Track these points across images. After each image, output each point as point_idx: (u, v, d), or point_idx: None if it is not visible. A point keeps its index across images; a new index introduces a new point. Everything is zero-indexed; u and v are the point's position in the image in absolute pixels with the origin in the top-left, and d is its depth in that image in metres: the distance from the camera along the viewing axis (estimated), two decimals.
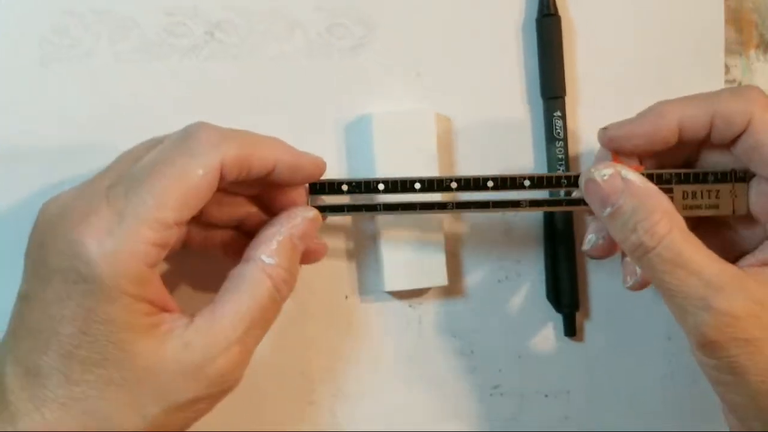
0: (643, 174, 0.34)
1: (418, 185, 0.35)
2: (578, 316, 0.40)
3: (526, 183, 0.35)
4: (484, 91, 0.39)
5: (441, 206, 0.36)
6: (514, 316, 0.40)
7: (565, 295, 0.40)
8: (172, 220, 0.30)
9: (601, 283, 0.40)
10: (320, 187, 0.35)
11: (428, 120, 0.38)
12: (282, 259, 0.33)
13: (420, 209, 0.36)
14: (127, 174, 0.31)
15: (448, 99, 0.39)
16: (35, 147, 0.37)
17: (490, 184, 0.35)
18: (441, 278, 0.38)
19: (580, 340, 0.41)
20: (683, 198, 0.36)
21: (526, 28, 0.39)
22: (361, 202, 0.37)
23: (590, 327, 0.41)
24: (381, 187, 0.35)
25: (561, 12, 0.39)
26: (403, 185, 0.35)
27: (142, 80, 0.37)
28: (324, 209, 0.35)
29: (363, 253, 0.39)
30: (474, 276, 0.40)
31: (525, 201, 0.36)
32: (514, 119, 0.40)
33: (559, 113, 0.39)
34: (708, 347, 0.32)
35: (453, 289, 0.40)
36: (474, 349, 0.40)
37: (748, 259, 0.34)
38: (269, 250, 0.33)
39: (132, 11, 0.37)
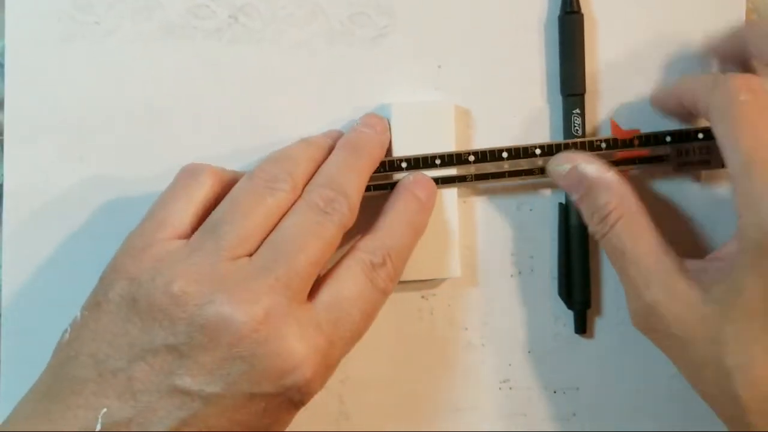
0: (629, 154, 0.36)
1: (438, 161, 0.37)
2: (589, 313, 0.40)
3: (537, 152, 0.38)
4: (504, 86, 0.39)
5: (461, 179, 0.37)
6: (526, 312, 0.40)
7: (577, 291, 0.40)
8: None
9: (614, 280, 0.40)
10: None
11: (447, 111, 0.38)
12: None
13: (441, 184, 0.37)
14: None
15: (468, 93, 0.39)
16: (54, 124, 0.37)
17: (504, 155, 0.38)
18: (455, 270, 0.38)
19: (591, 337, 0.41)
20: (678, 155, 0.38)
21: (548, 25, 0.39)
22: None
23: (601, 325, 0.41)
24: (404, 165, 0.37)
25: (584, 9, 0.39)
26: (425, 161, 0.37)
27: (163, 61, 0.37)
28: None
29: None
30: (487, 270, 0.40)
31: (537, 169, 0.38)
32: (533, 115, 0.40)
33: (578, 111, 0.39)
34: (639, 330, 0.35)
35: (466, 282, 0.40)
36: (484, 343, 0.40)
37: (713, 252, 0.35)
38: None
39: None
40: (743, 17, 0.41)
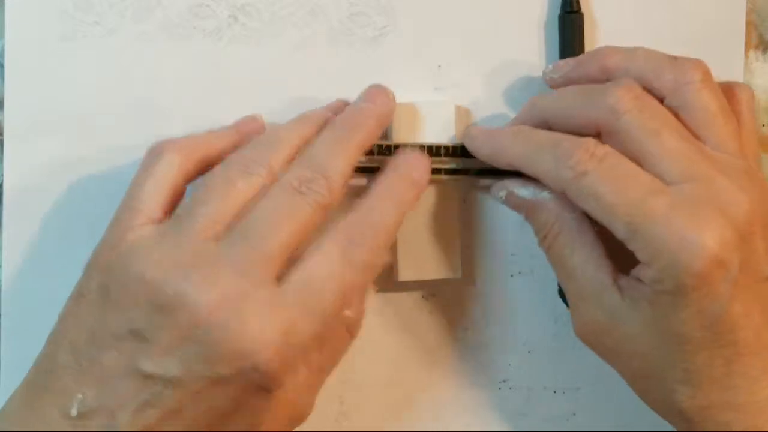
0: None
1: (443, 150, 0.37)
2: None
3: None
4: (505, 85, 0.40)
5: (450, 171, 0.37)
6: (526, 312, 0.40)
7: None
8: None
9: None
10: None
11: (448, 111, 0.38)
12: (358, 309, 0.34)
13: (445, 173, 0.37)
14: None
15: (468, 92, 0.39)
16: (54, 123, 0.37)
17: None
18: (455, 270, 0.38)
19: None
20: None
21: (548, 24, 0.39)
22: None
23: None
24: (394, 149, 0.36)
25: (584, 9, 0.39)
26: (414, 149, 0.36)
27: (163, 61, 0.37)
28: None
29: None
30: (487, 269, 0.40)
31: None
32: None
33: None
34: (583, 343, 0.35)
35: (466, 281, 0.40)
36: (484, 342, 0.40)
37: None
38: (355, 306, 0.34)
39: None
40: (743, 18, 0.41)
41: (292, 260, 0.31)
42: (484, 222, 0.40)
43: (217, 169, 0.33)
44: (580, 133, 0.33)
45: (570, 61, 0.37)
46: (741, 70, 0.41)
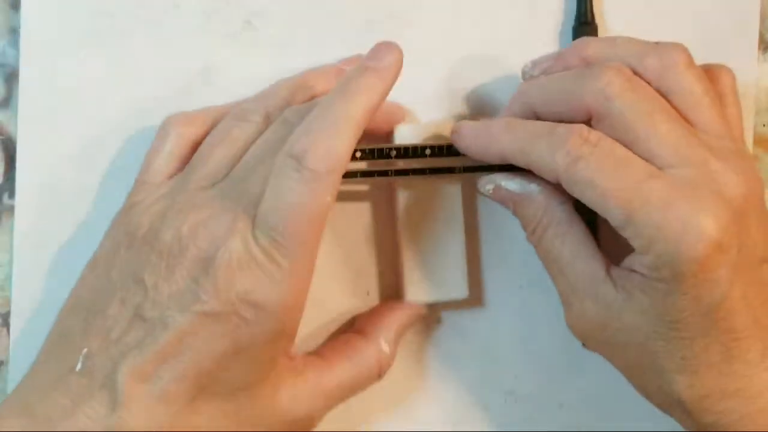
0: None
1: (428, 151, 0.36)
2: None
3: (428, 152, 0.36)
4: None
5: (450, 170, 0.36)
6: (533, 324, 0.40)
7: None
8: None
9: None
10: None
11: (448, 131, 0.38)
12: (394, 349, 0.35)
13: (429, 173, 0.36)
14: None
15: (483, 99, 0.39)
16: (67, 126, 0.37)
17: (428, 151, 0.36)
18: (461, 291, 0.38)
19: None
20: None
21: (563, 35, 0.39)
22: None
23: None
24: (393, 153, 0.36)
25: (598, 21, 0.39)
26: (414, 151, 0.36)
27: (178, 65, 0.37)
28: None
29: (383, 252, 0.39)
30: (496, 279, 0.40)
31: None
32: None
33: None
34: (577, 338, 0.35)
35: (473, 292, 0.39)
36: (491, 353, 0.40)
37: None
38: (390, 336, 0.35)
39: None
40: (756, 33, 0.41)
41: None
42: (493, 232, 0.40)
43: (219, 124, 0.34)
44: (571, 120, 0.33)
45: (550, 56, 0.36)
46: (753, 88, 0.41)
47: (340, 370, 0.34)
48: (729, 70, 0.35)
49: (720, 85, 0.35)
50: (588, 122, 0.33)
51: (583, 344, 0.36)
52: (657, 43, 0.34)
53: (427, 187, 0.38)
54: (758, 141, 0.42)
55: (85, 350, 0.30)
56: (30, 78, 0.36)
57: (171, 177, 0.34)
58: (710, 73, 0.35)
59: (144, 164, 0.35)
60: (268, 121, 0.34)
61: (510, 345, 0.40)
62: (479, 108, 0.39)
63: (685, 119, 0.32)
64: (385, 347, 0.35)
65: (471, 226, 0.39)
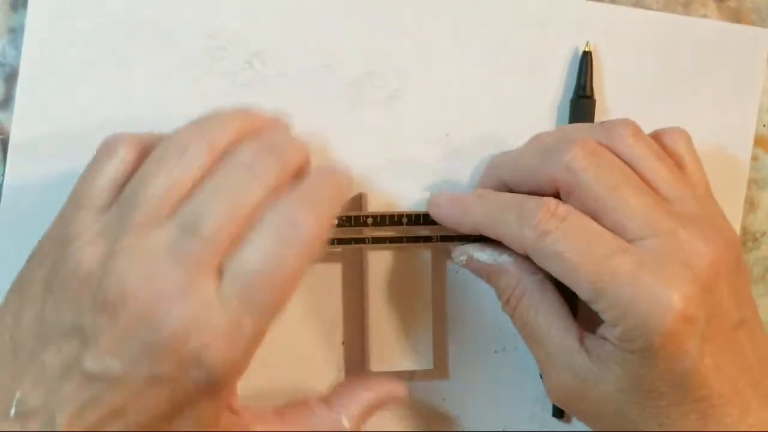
0: None
1: (405, 219, 0.36)
2: None
3: (404, 220, 0.37)
4: None
5: (426, 239, 0.37)
6: (506, 389, 0.40)
7: None
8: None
9: None
10: None
11: None
12: (356, 426, 0.34)
13: (407, 241, 0.37)
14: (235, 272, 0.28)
15: (474, 166, 0.39)
16: (60, 148, 0.37)
17: (404, 220, 0.36)
18: (427, 362, 0.38)
19: (568, 422, 0.40)
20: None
21: (561, 107, 0.40)
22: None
23: None
24: (369, 221, 0.36)
25: (597, 97, 0.39)
26: (391, 219, 0.36)
27: (175, 97, 0.37)
28: None
29: (349, 319, 0.39)
30: (470, 343, 0.40)
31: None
32: None
33: None
34: (558, 405, 0.35)
35: (438, 374, 0.40)
36: (460, 417, 0.40)
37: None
38: (352, 413, 0.34)
39: (175, 28, 0.37)
40: (754, 116, 0.41)
41: (235, 243, 0.29)
42: (472, 293, 0.40)
43: (154, 150, 0.31)
44: (541, 192, 0.33)
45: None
46: (747, 165, 0.41)
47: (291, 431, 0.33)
48: (682, 131, 0.35)
49: (675, 146, 0.35)
50: (558, 195, 0.33)
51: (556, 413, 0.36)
52: (603, 122, 0.35)
53: (398, 254, 0.38)
54: (758, 141, 0.42)
55: (18, 394, 0.28)
56: (26, 99, 0.36)
57: (109, 205, 0.30)
58: (662, 136, 0.35)
59: (82, 185, 0.31)
60: (212, 156, 0.30)
61: (480, 410, 0.40)
62: (472, 177, 0.39)
63: (651, 188, 0.33)
64: (345, 423, 0.33)
65: (439, 296, 0.39)
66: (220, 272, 0.28)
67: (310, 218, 0.29)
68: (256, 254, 0.28)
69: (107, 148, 0.31)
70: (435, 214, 0.36)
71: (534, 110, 0.40)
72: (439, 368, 0.40)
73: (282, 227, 0.29)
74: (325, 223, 0.30)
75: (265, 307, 0.28)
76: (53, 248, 0.30)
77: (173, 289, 0.27)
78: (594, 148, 0.32)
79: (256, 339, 0.29)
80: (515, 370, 0.40)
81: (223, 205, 0.28)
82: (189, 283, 0.27)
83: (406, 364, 0.38)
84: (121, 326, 0.27)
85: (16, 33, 0.37)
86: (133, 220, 0.29)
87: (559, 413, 0.40)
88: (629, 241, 0.31)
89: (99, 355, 0.27)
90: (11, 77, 0.37)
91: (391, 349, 0.37)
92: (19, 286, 0.30)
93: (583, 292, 0.31)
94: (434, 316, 0.39)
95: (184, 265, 0.28)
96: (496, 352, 0.40)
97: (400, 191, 0.38)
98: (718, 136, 0.41)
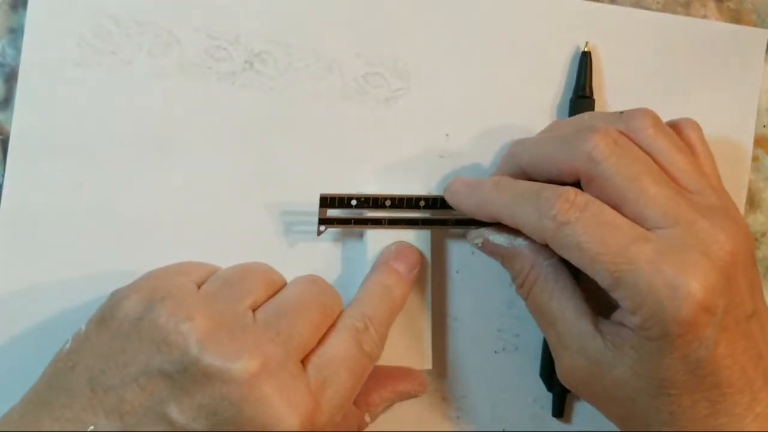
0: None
1: (422, 202, 0.37)
2: (569, 397, 0.40)
3: (422, 203, 0.37)
4: None
5: (442, 222, 0.37)
6: (506, 389, 0.40)
7: None
8: None
9: None
10: (331, 201, 0.37)
11: None
12: (375, 418, 0.37)
13: (422, 224, 0.37)
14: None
15: (473, 164, 0.39)
16: (59, 147, 0.37)
17: (422, 203, 0.37)
18: (426, 362, 0.38)
19: (568, 421, 0.40)
20: None
21: (561, 107, 0.40)
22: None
23: (579, 410, 0.40)
24: (388, 203, 0.37)
25: (597, 96, 0.39)
26: (409, 202, 0.37)
27: (174, 98, 0.37)
28: (332, 221, 0.37)
29: None
30: (470, 343, 0.40)
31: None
32: None
33: None
34: (569, 389, 0.35)
35: (436, 374, 0.40)
36: (460, 416, 0.40)
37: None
38: (375, 412, 0.37)
39: (176, 29, 0.37)
40: (753, 117, 0.41)
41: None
42: (474, 293, 0.40)
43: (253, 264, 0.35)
44: (560, 180, 0.33)
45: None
46: (748, 163, 0.41)
47: None
48: (694, 123, 0.36)
49: (687, 137, 0.35)
50: (577, 183, 0.33)
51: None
52: (622, 112, 0.34)
53: None
54: (758, 141, 0.42)
55: (92, 427, 0.29)
56: (26, 97, 0.36)
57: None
58: (677, 127, 0.35)
59: (189, 263, 0.35)
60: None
61: (480, 408, 0.40)
62: (471, 176, 0.39)
63: (671, 178, 0.33)
64: (368, 419, 0.36)
65: (439, 296, 0.40)
66: (303, 362, 0.31)
67: (373, 331, 0.34)
68: (338, 350, 0.33)
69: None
70: (451, 200, 0.36)
71: (534, 110, 0.40)
72: (439, 368, 0.40)
73: (353, 329, 0.33)
74: (384, 335, 0.35)
75: (342, 394, 0.32)
76: (150, 289, 0.31)
77: (269, 369, 0.30)
78: (616, 137, 0.32)
79: (326, 423, 0.31)
80: (515, 370, 0.40)
81: (312, 306, 0.33)
82: (283, 367, 0.30)
83: (405, 364, 0.38)
84: (213, 390, 0.29)
85: (16, 33, 0.37)
86: (236, 297, 0.32)
87: (559, 413, 0.40)
88: (649, 230, 0.31)
89: (187, 408, 0.29)
90: (11, 77, 0.37)
91: (391, 349, 0.37)
92: (101, 317, 0.31)
93: (602, 281, 0.31)
94: (434, 316, 0.39)
95: (281, 349, 0.30)
96: (496, 352, 0.40)
97: (400, 191, 0.37)
98: (718, 136, 0.41)
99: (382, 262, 0.37)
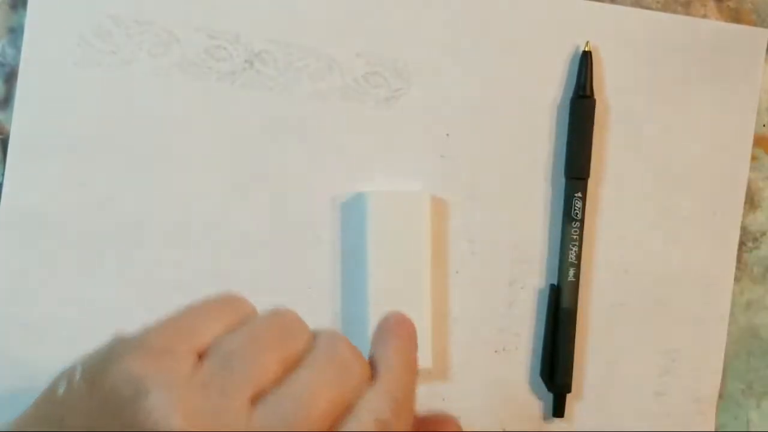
0: None
1: None
2: (569, 397, 0.40)
3: None
4: (509, 160, 0.40)
5: None
6: (505, 388, 0.40)
7: (560, 375, 0.39)
8: None
9: (598, 367, 0.40)
10: None
11: (423, 203, 0.38)
12: None
13: None
14: None
15: (473, 164, 0.39)
16: (59, 147, 0.37)
17: None
18: (426, 362, 0.39)
19: (568, 421, 0.40)
20: None
21: (561, 107, 0.40)
22: None
23: (579, 410, 0.40)
24: None
25: (598, 96, 0.39)
26: None
27: (174, 97, 0.37)
28: None
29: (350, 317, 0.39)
30: (470, 343, 0.40)
31: None
32: (532, 195, 0.40)
33: (580, 194, 0.39)
34: None
35: (437, 374, 0.40)
36: (460, 416, 0.40)
37: None
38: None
39: (176, 28, 0.37)
40: (753, 116, 0.41)
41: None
42: (475, 293, 0.40)
43: (265, 317, 0.30)
44: None
45: None
46: (744, 178, 0.41)
47: None
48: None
49: None
50: None
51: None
52: None
53: (399, 254, 0.38)
54: (758, 141, 0.42)
55: None
56: (26, 96, 0.36)
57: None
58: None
59: (196, 312, 0.30)
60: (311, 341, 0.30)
61: (480, 408, 0.40)
62: (472, 177, 0.39)
63: None
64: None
65: (439, 296, 0.39)
66: None
67: (401, 416, 0.28)
68: None
69: (230, 301, 0.30)
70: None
71: (534, 110, 0.40)
72: (439, 368, 0.40)
73: (379, 416, 0.28)
74: (412, 410, 0.30)
75: None
76: (143, 367, 0.27)
77: None
78: None
79: None
80: (515, 370, 0.40)
81: (323, 390, 0.28)
82: None
83: None
84: None
85: (15, 33, 0.37)
86: (234, 388, 0.27)
87: (559, 413, 0.40)
88: None
89: None
90: (11, 77, 0.37)
91: None
92: (90, 375, 0.28)
93: None
94: (434, 315, 0.39)
95: None
96: (496, 352, 0.40)
97: (400, 191, 0.38)
98: (718, 136, 0.41)
99: (389, 332, 0.32)
